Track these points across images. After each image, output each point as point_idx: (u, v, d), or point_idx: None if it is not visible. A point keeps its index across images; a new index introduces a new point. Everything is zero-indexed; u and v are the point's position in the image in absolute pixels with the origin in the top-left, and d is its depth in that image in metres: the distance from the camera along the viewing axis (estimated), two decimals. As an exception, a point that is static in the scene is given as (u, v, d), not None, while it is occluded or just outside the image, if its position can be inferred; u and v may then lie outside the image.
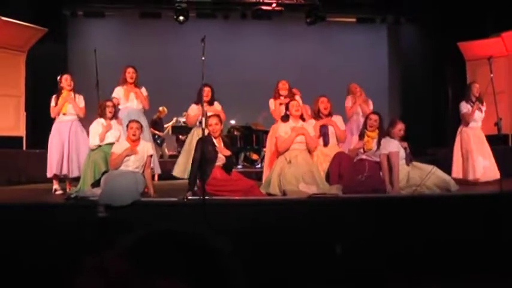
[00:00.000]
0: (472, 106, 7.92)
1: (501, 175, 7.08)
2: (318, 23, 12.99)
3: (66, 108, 7.36)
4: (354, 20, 13.76)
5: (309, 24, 12.96)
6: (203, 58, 5.79)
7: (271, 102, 7.77)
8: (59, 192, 7.11)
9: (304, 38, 13.59)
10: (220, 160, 6.35)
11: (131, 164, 6.17)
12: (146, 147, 6.39)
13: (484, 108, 7.97)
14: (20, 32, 10.00)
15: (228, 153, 6.39)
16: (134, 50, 12.56)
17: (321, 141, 7.19)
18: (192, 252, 0.95)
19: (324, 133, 7.22)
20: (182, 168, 7.52)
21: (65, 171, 7.26)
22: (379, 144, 6.67)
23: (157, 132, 12.05)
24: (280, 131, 6.87)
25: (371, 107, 8.11)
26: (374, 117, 6.85)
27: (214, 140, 6.37)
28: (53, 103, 7.39)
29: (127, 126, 6.49)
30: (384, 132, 6.76)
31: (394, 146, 6.71)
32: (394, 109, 13.57)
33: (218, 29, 13.22)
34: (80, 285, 0.91)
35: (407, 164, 6.74)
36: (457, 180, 7.22)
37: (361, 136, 6.83)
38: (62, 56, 11.94)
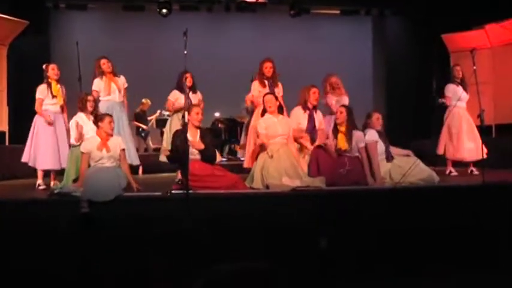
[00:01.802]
0: (456, 86, 8.26)
1: (484, 164, 7.17)
2: (302, 16, 12.97)
3: (60, 99, 7.30)
4: (338, 12, 13.75)
5: (293, 17, 12.94)
6: (185, 52, 5.75)
7: (254, 85, 7.60)
8: (42, 187, 7.03)
9: (288, 30, 13.57)
10: (195, 154, 6.28)
11: (105, 162, 6.07)
12: (117, 141, 6.25)
13: (467, 96, 8.24)
14: (1, 25, 9.86)
15: (201, 147, 6.32)
16: (117, 43, 12.48)
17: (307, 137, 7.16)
18: None
19: (311, 127, 7.18)
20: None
21: (63, 164, 7.13)
22: (350, 138, 6.60)
23: (141, 125, 11.98)
24: (260, 127, 6.75)
25: (346, 102, 7.74)
26: (340, 109, 6.77)
27: (188, 134, 6.22)
28: (40, 95, 7.23)
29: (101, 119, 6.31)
30: (354, 125, 6.70)
31: (371, 135, 6.70)
32: (378, 101, 13.62)
33: (202, 21, 13.17)
34: None
35: (388, 160, 6.73)
36: (441, 158, 7.49)
37: (334, 134, 6.73)
38: (44, 49, 11.81)
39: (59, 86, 7.34)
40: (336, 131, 6.72)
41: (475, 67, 7.09)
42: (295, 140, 6.97)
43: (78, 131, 6.57)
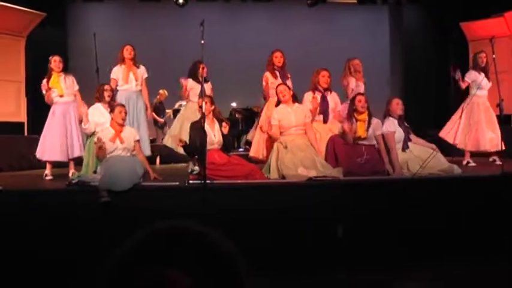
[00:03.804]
0: (478, 73, 8.06)
1: (503, 154, 7.11)
2: (319, 5, 12.90)
3: (63, 90, 7.28)
4: (354, 1, 13.64)
5: (310, 6, 12.85)
6: (202, 42, 5.75)
7: (266, 76, 7.62)
8: (49, 177, 7.09)
9: (304, 19, 13.49)
10: (216, 143, 6.31)
11: (120, 152, 6.06)
12: (132, 133, 6.26)
13: (489, 84, 8.10)
14: (18, 17, 9.93)
15: (225, 131, 6.36)
16: (134, 34, 12.47)
17: (320, 117, 7.13)
18: (197, 251, 0.95)
19: (324, 109, 7.15)
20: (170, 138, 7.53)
21: (77, 153, 7.19)
22: (369, 124, 6.56)
23: (156, 117, 11.99)
24: (273, 119, 6.72)
25: (362, 89, 7.78)
26: (362, 98, 6.68)
27: (205, 124, 6.29)
28: (43, 88, 7.26)
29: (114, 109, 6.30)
30: (371, 114, 6.65)
31: (390, 125, 6.64)
32: (395, 90, 13.51)
33: (218, 12, 13.14)
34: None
35: (403, 150, 6.67)
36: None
37: (350, 119, 6.65)
38: (61, 41, 11.86)
39: (62, 77, 7.30)
40: (352, 118, 6.65)
41: (494, 56, 7.01)
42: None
43: (86, 118, 6.62)
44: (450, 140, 8.14)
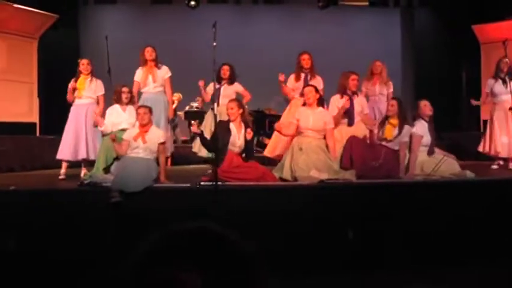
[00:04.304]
0: (495, 81, 7.86)
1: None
2: (330, 7, 12.88)
3: (81, 92, 7.37)
4: (366, 3, 13.63)
5: (321, 9, 12.83)
6: (214, 44, 5.77)
7: (290, 77, 7.62)
8: (61, 177, 7.17)
9: (316, 22, 13.47)
10: (237, 146, 6.34)
11: (141, 152, 6.09)
12: (157, 134, 6.28)
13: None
14: (31, 18, 10.01)
15: (248, 136, 6.37)
16: (146, 36, 12.49)
17: (345, 120, 7.11)
18: (215, 253, 0.96)
19: (349, 113, 7.15)
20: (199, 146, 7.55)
21: (82, 156, 7.28)
22: (400, 131, 6.50)
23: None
24: (298, 114, 6.74)
25: (391, 89, 7.96)
26: (392, 102, 6.72)
27: (231, 125, 6.36)
28: (69, 87, 7.39)
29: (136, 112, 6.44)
30: (405, 119, 6.61)
31: (420, 128, 6.61)
32: (407, 94, 13.46)
33: (229, 14, 13.16)
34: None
35: (429, 154, 6.63)
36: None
37: (382, 122, 6.68)
38: (74, 43, 11.94)
39: (88, 79, 7.41)
40: (383, 121, 6.66)
41: (507, 59, 6.98)
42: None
43: (101, 120, 6.69)
44: (493, 152, 7.95)
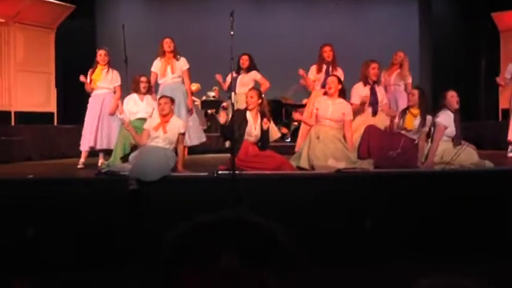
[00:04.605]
0: None
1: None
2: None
3: (97, 83, 7.42)
4: (384, -8, 13.54)
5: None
6: (232, 33, 5.76)
7: (312, 68, 7.59)
8: (80, 166, 7.23)
9: (332, 11, 13.40)
10: (254, 136, 6.34)
11: (160, 141, 6.10)
12: (177, 124, 6.27)
13: None
14: (49, 9, 10.08)
15: (265, 126, 6.38)
16: (162, 25, 12.52)
17: (369, 110, 7.06)
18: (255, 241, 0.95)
19: (373, 102, 7.09)
20: None
21: (99, 145, 7.35)
22: (423, 122, 6.43)
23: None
24: (317, 104, 6.73)
25: (409, 80, 7.85)
26: (413, 92, 6.66)
27: (248, 114, 6.36)
28: (87, 78, 7.45)
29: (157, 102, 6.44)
30: (427, 109, 6.53)
31: (445, 119, 6.49)
32: (425, 82, 13.34)
33: (247, 4, 13.12)
34: (188, 278, 0.91)
35: (455, 145, 6.53)
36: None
37: (403, 112, 6.60)
38: (91, 33, 11.97)
39: (105, 70, 7.45)
40: (404, 111, 6.60)
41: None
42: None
43: (121, 107, 6.72)
44: None
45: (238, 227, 0.96)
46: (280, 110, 11.38)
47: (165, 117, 6.22)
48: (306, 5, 13.58)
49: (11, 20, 9.66)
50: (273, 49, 12.63)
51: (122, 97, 7.27)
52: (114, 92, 7.51)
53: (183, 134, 6.36)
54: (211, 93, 11.95)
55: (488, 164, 6.49)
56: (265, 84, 7.90)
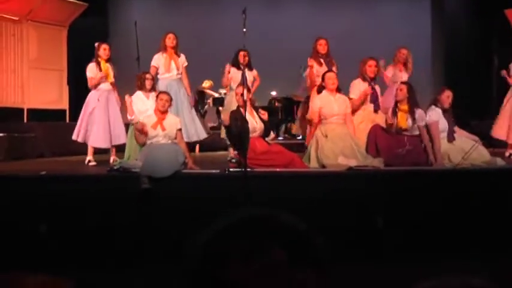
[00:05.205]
0: None
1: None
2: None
3: (111, 78, 7.44)
4: (396, -12, 13.47)
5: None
6: (244, 30, 5.76)
7: (310, 62, 7.51)
8: (93, 163, 7.24)
9: (344, 7, 13.37)
10: (258, 130, 6.32)
11: (161, 139, 6.07)
12: (174, 121, 6.25)
13: None
14: (61, 7, 10.16)
15: (264, 117, 6.40)
16: (175, 22, 12.51)
17: (371, 106, 7.05)
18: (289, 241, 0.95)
19: (374, 99, 7.07)
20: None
21: (112, 142, 7.35)
22: (413, 116, 6.39)
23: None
24: (314, 105, 6.67)
25: (400, 78, 7.60)
26: (401, 87, 6.55)
27: (246, 112, 6.34)
28: (90, 74, 7.36)
29: (157, 97, 6.36)
30: (415, 103, 6.47)
31: (434, 115, 6.47)
32: (437, 79, 13.29)
33: (258, 0, 13.11)
34: (232, 271, 0.92)
35: (449, 140, 6.51)
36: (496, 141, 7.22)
37: (394, 111, 6.53)
38: (103, 30, 12.00)
39: (108, 64, 7.44)
40: (395, 109, 6.55)
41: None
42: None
43: (130, 108, 6.69)
44: (503, 137, 7.81)
45: (278, 223, 0.98)
46: (292, 108, 11.36)
47: (163, 114, 6.19)
48: (317, 1, 13.55)
49: (24, 18, 9.73)
50: (284, 46, 12.62)
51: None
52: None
53: (180, 129, 6.34)
54: (223, 91, 11.93)
55: (500, 161, 6.45)
56: (258, 81, 8.06)
